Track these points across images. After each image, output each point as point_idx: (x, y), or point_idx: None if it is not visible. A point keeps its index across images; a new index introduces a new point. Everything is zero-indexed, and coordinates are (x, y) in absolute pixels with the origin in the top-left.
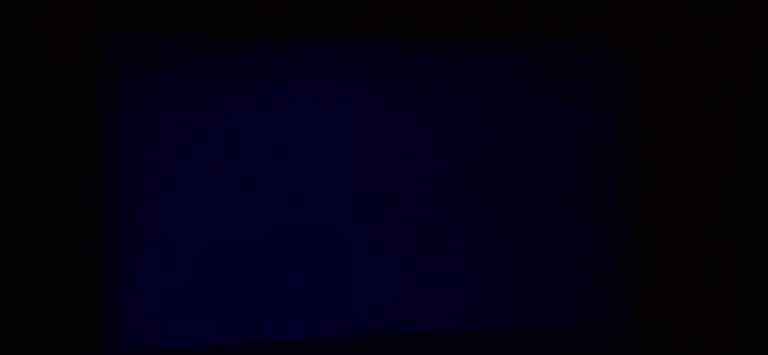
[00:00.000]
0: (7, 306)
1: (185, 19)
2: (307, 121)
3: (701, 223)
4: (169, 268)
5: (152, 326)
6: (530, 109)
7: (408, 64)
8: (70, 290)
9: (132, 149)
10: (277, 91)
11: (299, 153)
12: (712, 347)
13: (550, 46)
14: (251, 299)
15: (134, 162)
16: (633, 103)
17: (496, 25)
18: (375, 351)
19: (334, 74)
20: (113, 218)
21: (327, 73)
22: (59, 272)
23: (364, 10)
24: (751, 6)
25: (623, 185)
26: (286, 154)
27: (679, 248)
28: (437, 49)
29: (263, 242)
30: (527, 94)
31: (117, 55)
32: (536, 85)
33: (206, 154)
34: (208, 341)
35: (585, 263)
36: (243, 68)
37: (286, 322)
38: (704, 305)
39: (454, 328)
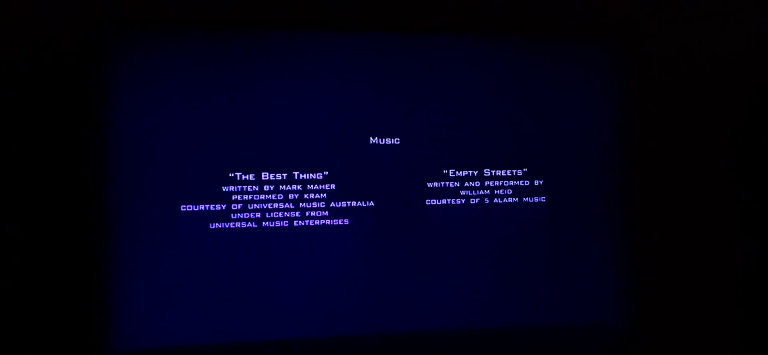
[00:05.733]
0: (6, 306)
1: (185, 19)
2: (308, 120)
3: (701, 223)
4: (169, 268)
5: (152, 326)
6: (528, 109)
7: (407, 63)
8: (69, 289)
9: (132, 149)
10: (277, 91)
11: (299, 152)
12: (712, 347)
13: (549, 45)
14: (251, 299)
15: (134, 162)
16: (632, 104)
17: (495, 24)
18: (375, 351)
19: (334, 74)
20: (113, 218)
21: (327, 73)
22: (58, 272)
23: (364, 10)
24: (750, 6)
25: (623, 184)
26: (287, 154)
27: (679, 248)
28: (436, 49)
29: (263, 241)
30: (525, 93)
31: (117, 55)
32: (535, 85)
33: (206, 153)
34: (208, 341)
35: (585, 263)
36: (244, 68)
37: (287, 322)
38: (704, 304)
39: (454, 328)
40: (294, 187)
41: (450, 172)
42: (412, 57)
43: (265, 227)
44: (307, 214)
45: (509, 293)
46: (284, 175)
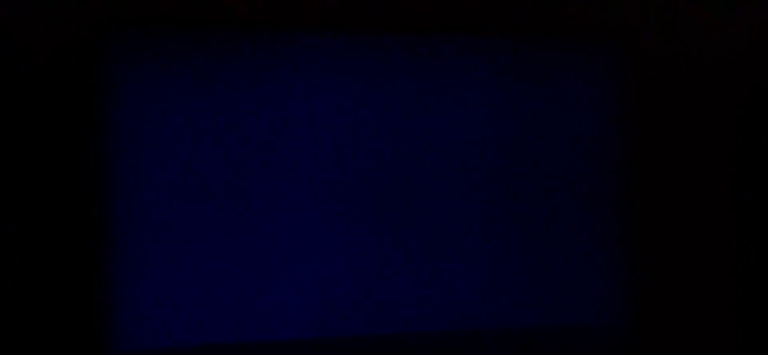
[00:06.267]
0: (7, 306)
1: (185, 19)
2: (308, 120)
3: (700, 223)
4: (169, 268)
5: (152, 326)
6: (529, 110)
7: (408, 64)
8: (70, 289)
9: (132, 149)
10: (277, 91)
11: (299, 153)
12: (711, 347)
13: (549, 46)
14: (251, 299)
15: (134, 162)
16: (632, 104)
17: (496, 25)
18: (375, 351)
19: (334, 74)
20: (113, 218)
21: (327, 73)
22: (59, 272)
23: (364, 10)
24: (749, 6)
25: (622, 184)
26: (286, 154)
27: (678, 248)
28: (437, 49)
29: (263, 241)
30: (526, 94)
31: (117, 55)
32: (535, 86)
33: (206, 153)
34: (208, 341)
35: (585, 263)
36: (243, 68)
37: (286, 322)
38: (703, 305)
39: (454, 328)
40: (293, 188)
41: (450, 173)
42: (413, 58)
43: (266, 228)
44: (306, 215)
45: (509, 293)
46: (284, 175)
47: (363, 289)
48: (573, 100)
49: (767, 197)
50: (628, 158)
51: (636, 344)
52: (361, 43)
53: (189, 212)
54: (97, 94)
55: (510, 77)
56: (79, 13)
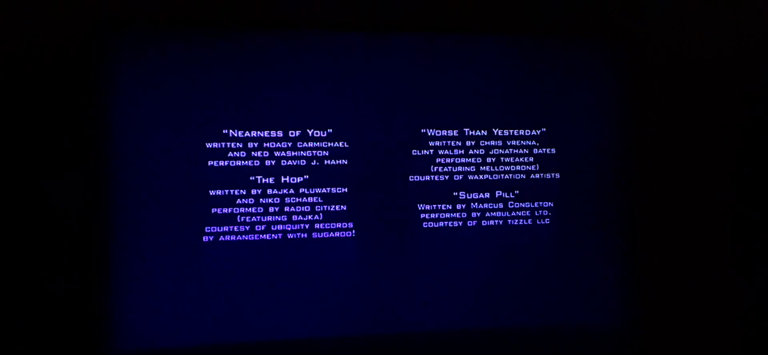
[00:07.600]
0: (7, 306)
1: (185, 19)
2: (308, 120)
3: (701, 223)
4: (169, 268)
5: (152, 326)
6: (528, 109)
7: (408, 64)
8: (70, 289)
9: (132, 148)
10: (276, 90)
11: (299, 152)
12: (712, 347)
13: (549, 46)
14: (251, 299)
15: (134, 161)
16: (632, 104)
17: (495, 25)
18: (375, 351)
19: (334, 74)
20: (113, 218)
21: (327, 73)
22: (59, 272)
23: (363, 11)
24: (750, 6)
25: (623, 184)
26: (286, 154)
27: (679, 248)
28: (436, 49)
29: (263, 241)
30: (525, 93)
31: (117, 55)
32: (535, 85)
33: (206, 153)
34: (208, 341)
35: (585, 263)
36: (243, 68)
37: (286, 322)
38: (704, 305)
39: (454, 328)
40: (293, 187)
41: (451, 168)
42: (412, 58)
43: (266, 227)
44: (306, 214)
45: (509, 293)
46: (284, 175)
47: (363, 288)
48: (573, 100)
49: None
50: (629, 158)
51: (636, 344)
52: (361, 43)
53: (189, 211)
54: (97, 93)
55: (509, 77)
56: (79, 13)
